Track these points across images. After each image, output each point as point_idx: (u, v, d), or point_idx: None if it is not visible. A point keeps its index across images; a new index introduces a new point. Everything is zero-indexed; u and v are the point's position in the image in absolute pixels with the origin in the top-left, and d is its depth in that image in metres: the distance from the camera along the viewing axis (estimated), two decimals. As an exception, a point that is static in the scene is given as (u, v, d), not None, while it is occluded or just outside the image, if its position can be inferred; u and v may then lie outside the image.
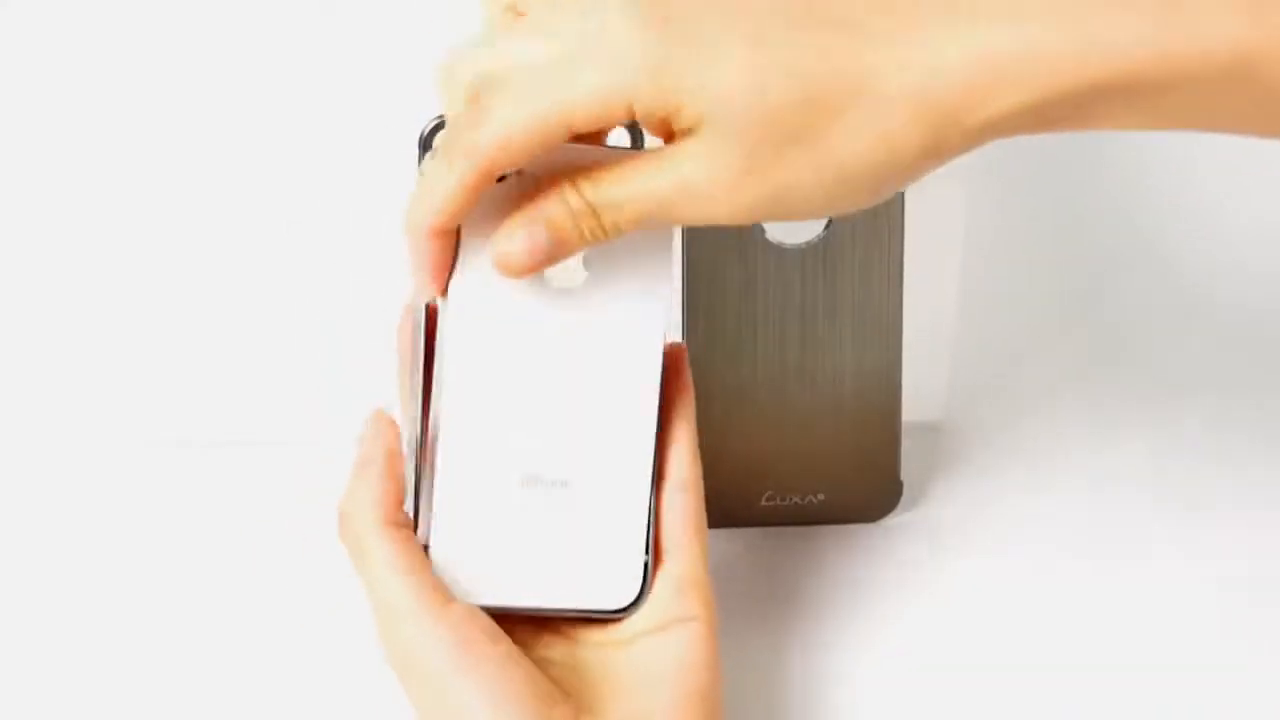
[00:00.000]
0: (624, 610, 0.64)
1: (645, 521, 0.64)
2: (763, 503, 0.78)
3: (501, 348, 0.63)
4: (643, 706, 0.62)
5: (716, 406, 0.75)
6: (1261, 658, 0.73)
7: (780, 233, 0.74)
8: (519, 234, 0.61)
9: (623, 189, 0.60)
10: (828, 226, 0.74)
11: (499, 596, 0.64)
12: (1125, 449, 0.83)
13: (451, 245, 0.63)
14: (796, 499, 0.78)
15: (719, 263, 0.75)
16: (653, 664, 0.63)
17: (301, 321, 0.82)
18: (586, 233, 0.60)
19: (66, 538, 0.79)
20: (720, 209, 0.59)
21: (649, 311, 0.64)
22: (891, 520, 0.79)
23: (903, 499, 0.79)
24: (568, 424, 0.64)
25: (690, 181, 0.58)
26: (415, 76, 0.67)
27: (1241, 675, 0.72)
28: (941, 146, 0.58)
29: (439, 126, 0.70)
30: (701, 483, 0.66)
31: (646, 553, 0.64)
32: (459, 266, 0.63)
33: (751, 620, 0.74)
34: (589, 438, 0.64)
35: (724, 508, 0.77)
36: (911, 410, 0.78)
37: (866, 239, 0.75)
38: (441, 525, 0.64)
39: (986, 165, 0.82)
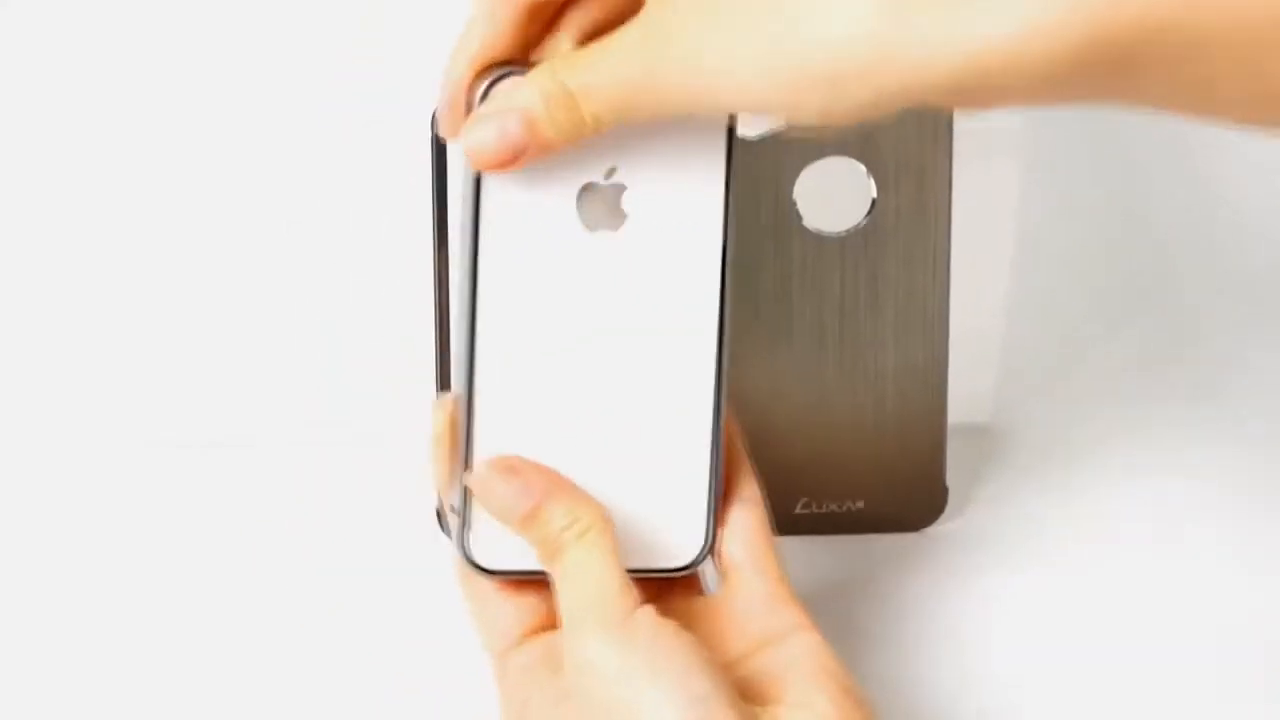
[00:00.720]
0: (685, 569, 0.64)
1: (708, 473, 0.64)
2: (797, 510, 0.77)
3: (539, 304, 0.62)
4: (805, 699, 0.61)
5: (748, 406, 0.74)
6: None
7: (820, 220, 0.73)
8: (490, 122, 0.59)
9: (597, 71, 0.58)
10: (870, 212, 0.73)
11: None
12: (1187, 452, 0.82)
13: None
14: (834, 506, 0.77)
15: (752, 252, 0.74)
16: (789, 668, 0.62)
17: (301, 321, 0.82)
18: (563, 122, 0.58)
19: (66, 538, 0.79)
20: (697, 82, 0.56)
21: (700, 257, 0.62)
22: (936, 529, 0.78)
23: (948, 506, 0.78)
24: (615, 376, 0.63)
25: (663, 52, 0.57)
26: (415, 76, 0.68)
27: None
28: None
29: None
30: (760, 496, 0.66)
31: (709, 505, 0.64)
32: (484, 224, 0.61)
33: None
34: (640, 390, 0.63)
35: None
36: (958, 411, 0.77)
37: (911, 227, 0.74)
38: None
39: (1041, 147, 0.83)
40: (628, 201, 0.61)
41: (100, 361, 0.82)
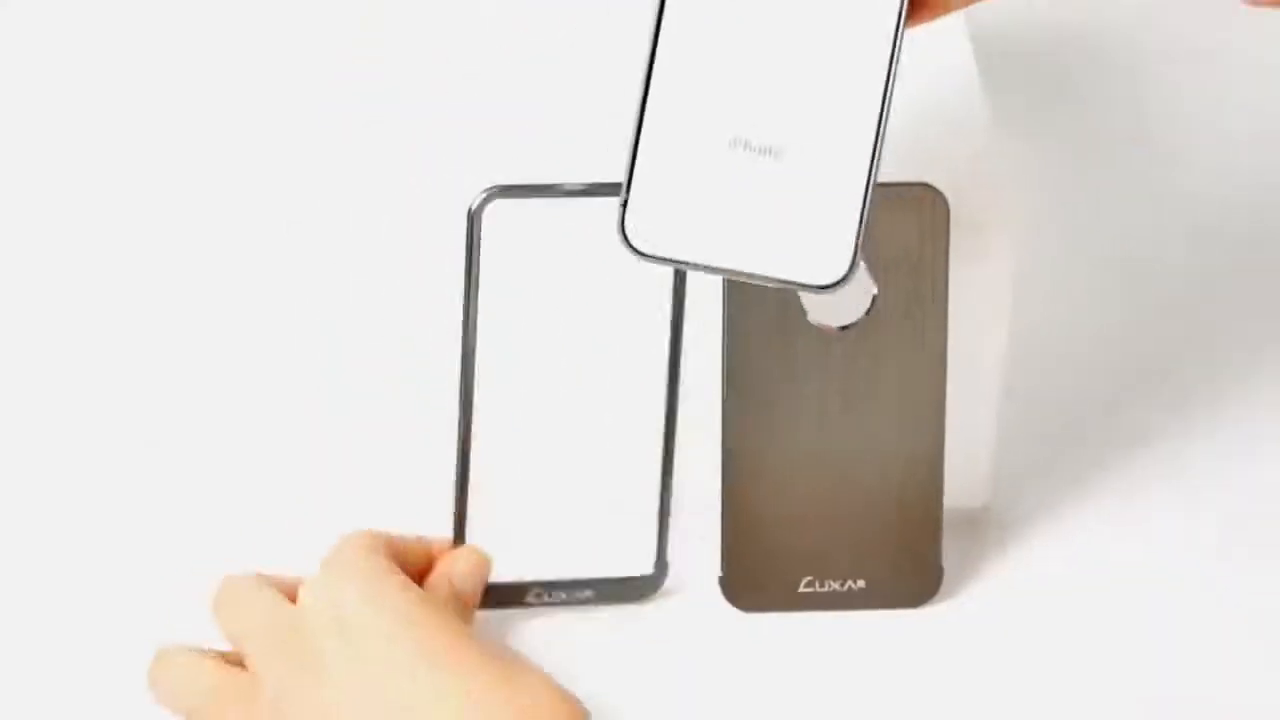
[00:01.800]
0: (829, 286, 0.62)
1: (862, 195, 0.62)
2: (801, 588, 0.77)
3: (722, 8, 0.62)
4: None
5: (755, 490, 0.75)
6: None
7: (823, 315, 0.75)
8: None
9: None
10: (870, 308, 0.74)
11: (697, 256, 0.62)
12: (1182, 540, 0.81)
13: None
14: (835, 585, 0.77)
15: (759, 345, 0.74)
16: None
17: (302, 321, 0.82)
18: None
19: (66, 538, 0.79)
20: None
21: None
22: (931, 607, 0.78)
23: (943, 586, 0.78)
24: (785, 86, 0.62)
25: None
26: (415, 76, 0.68)
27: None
28: None
29: (489, 199, 0.71)
30: None
31: (859, 229, 0.62)
32: None
33: (790, 707, 0.74)
34: (808, 102, 0.62)
35: (762, 592, 0.77)
36: (955, 495, 0.77)
37: (909, 321, 0.75)
38: (644, 181, 0.62)
39: (1037, 234, 0.83)
40: None
41: (100, 361, 0.83)
